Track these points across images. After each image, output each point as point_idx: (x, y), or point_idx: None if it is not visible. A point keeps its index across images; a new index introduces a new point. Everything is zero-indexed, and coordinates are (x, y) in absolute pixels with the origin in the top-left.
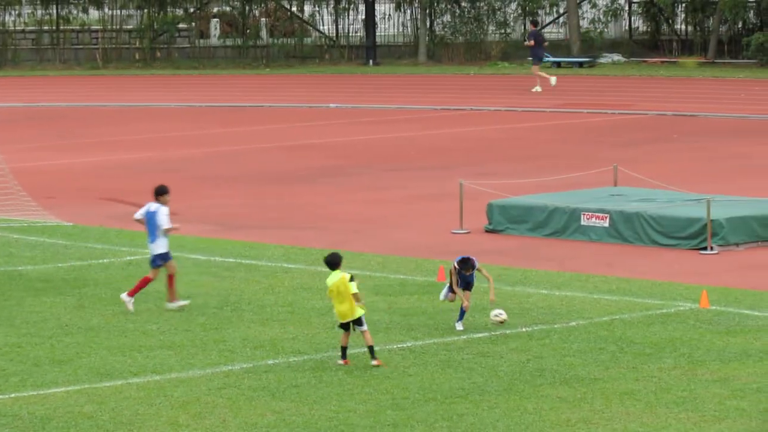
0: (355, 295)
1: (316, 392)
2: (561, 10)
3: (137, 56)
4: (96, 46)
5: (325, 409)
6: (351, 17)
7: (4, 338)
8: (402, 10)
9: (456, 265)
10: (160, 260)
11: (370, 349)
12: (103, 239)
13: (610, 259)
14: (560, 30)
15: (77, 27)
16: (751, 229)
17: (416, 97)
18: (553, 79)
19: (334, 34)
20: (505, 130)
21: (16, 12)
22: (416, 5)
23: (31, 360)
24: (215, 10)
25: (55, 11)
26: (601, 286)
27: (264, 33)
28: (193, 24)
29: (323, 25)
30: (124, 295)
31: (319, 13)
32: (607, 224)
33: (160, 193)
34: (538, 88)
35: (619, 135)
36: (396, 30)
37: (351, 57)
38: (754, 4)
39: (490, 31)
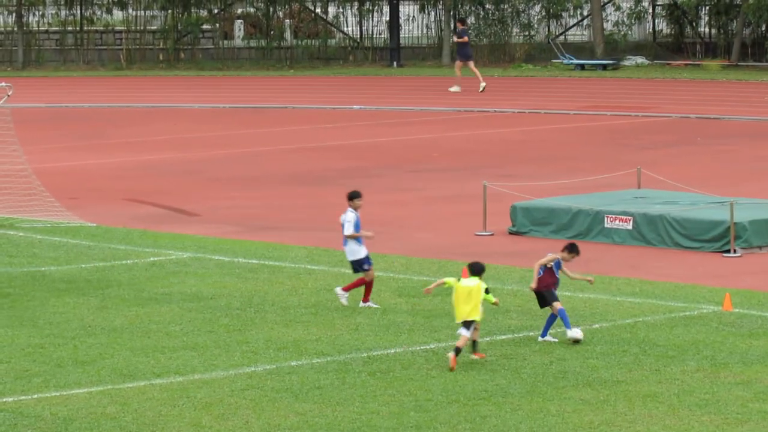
0: (496, 303)
1: (339, 394)
2: (585, 13)
3: (161, 57)
4: (120, 47)
5: (348, 410)
6: (375, 19)
7: (27, 339)
8: (426, 11)
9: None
10: (356, 266)
11: (474, 343)
12: (126, 240)
13: (633, 261)
14: (584, 32)
15: (101, 28)
16: None
17: (440, 99)
18: (479, 85)
19: (358, 36)
20: (529, 132)
21: (40, 12)
22: (440, 7)
23: (54, 361)
24: (239, 11)
25: (78, 12)
26: (624, 288)
27: (288, 34)
28: (217, 25)
29: (347, 27)
30: (338, 289)
31: (343, 15)
32: (630, 227)
33: (350, 197)
34: (456, 88)
35: (642, 137)
36: (420, 32)
37: (375, 59)
38: None
39: (514, 33)
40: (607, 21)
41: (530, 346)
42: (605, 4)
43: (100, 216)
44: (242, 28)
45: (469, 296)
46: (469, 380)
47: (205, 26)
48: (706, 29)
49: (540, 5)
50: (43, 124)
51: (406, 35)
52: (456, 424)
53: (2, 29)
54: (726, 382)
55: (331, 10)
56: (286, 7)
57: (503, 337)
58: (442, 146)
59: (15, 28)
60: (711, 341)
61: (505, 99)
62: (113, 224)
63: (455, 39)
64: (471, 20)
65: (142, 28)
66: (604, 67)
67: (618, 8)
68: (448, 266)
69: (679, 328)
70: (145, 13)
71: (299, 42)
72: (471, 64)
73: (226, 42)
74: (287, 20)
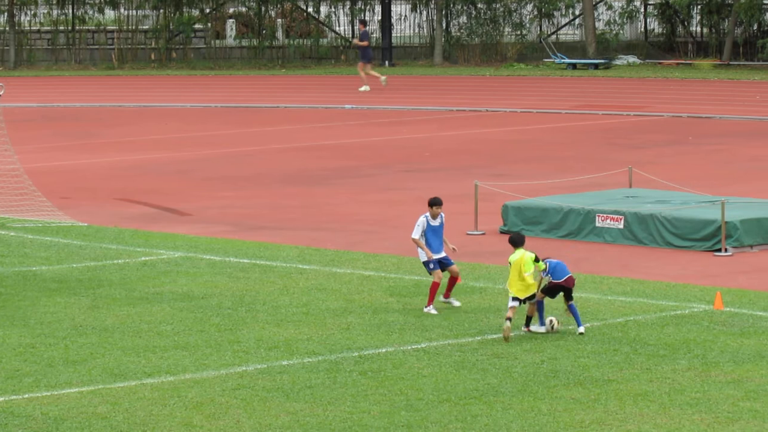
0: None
1: (331, 393)
2: (577, 12)
3: (153, 57)
4: (111, 47)
5: (339, 410)
6: (367, 18)
7: (18, 338)
8: (418, 11)
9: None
10: (426, 268)
11: (528, 318)
12: (117, 240)
13: (624, 260)
14: (576, 32)
15: (93, 27)
16: (765, 231)
17: (432, 98)
18: (382, 79)
19: (350, 35)
20: (521, 132)
21: (32, 12)
22: (432, 6)
23: (45, 360)
24: (231, 10)
25: (70, 11)
26: (615, 287)
27: (280, 34)
28: (209, 24)
29: (339, 26)
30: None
31: (335, 14)
32: (621, 226)
33: (428, 203)
34: (366, 88)
35: (634, 137)
36: (412, 31)
37: None
38: None
39: (506, 33)
40: (599, 20)
41: (521, 345)
42: (597, 3)
43: (91, 215)
44: (234, 28)
45: (520, 271)
46: (460, 379)
47: (196, 26)
48: (698, 28)
49: (532, 4)
50: (35, 123)
51: (398, 34)
52: (447, 424)
53: None
54: (717, 380)
55: (323, 9)
56: (278, 6)
57: (494, 336)
58: (434, 146)
59: (7, 28)
60: (702, 340)
61: (496, 98)
62: (104, 224)
63: (356, 42)
64: (463, 19)
65: (133, 27)
66: (596, 66)
67: (610, 7)
68: None
69: (670, 327)
70: (136, 12)
71: (291, 41)
72: (368, 66)
73: (217, 41)
74: (279, 20)
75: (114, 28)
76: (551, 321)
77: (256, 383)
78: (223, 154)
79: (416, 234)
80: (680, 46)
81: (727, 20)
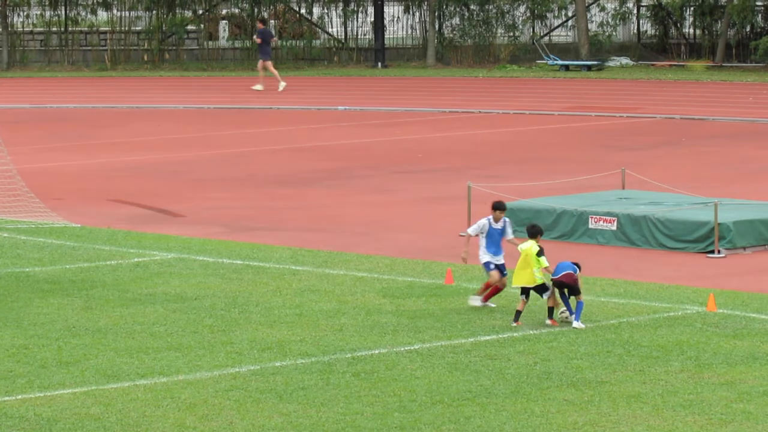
0: (546, 269)
1: (324, 394)
2: (570, 14)
3: (146, 58)
4: (104, 48)
5: (332, 411)
6: (360, 19)
7: (11, 339)
8: (411, 12)
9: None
10: (489, 266)
11: (551, 309)
12: (111, 241)
13: (617, 262)
14: (569, 33)
15: (86, 28)
16: (758, 233)
17: (424, 100)
18: (260, 87)
19: (343, 37)
20: (514, 133)
21: (25, 13)
22: (425, 8)
23: (38, 361)
24: (224, 12)
25: (63, 12)
26: (608, 289)
27: None
28: (202, 26)
29: (332, 28)
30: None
31: (328, 16)
32: (614, 227)
33: (493, 207)
34: (259, 86)
35: (626, 138)
36: (405, 32)
37: (360, 59)
38: (762, 8)
39: (498, 34)
40: (592, 22)
41: (514, 347)
42: (590, 4)
43: (84, 217)
44: (227, 29)
45: (524, 260)
46: (453, 381)
47: (189, 27)
48: (691, 30)
49: (525, 6)
50: (28, 124)
51: (391, 36)
52: (440, 425)
53: None
54: (710, 382)
55: (316, 10)
56: (271, 7)
57: (487, 337)
58: (427, 147)
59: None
60: (695, 342)
61: (489, 100)
62: (98, 225)
63: (256, 39)
64: (456, 21)
65: (126, 28)
66: (589, 68)
67: (603, 9)
68: (432, 267)
69: (663, 329)
70: (129, 13)
71: (284, 43)
72: (269, 64)
73: (210, 43)
74: (272, 21)
75: (107, 29)
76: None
77: (249, 384)
78: (216, 155)
79: (472, 231)
80: (673, 48)
81: (720, 22)
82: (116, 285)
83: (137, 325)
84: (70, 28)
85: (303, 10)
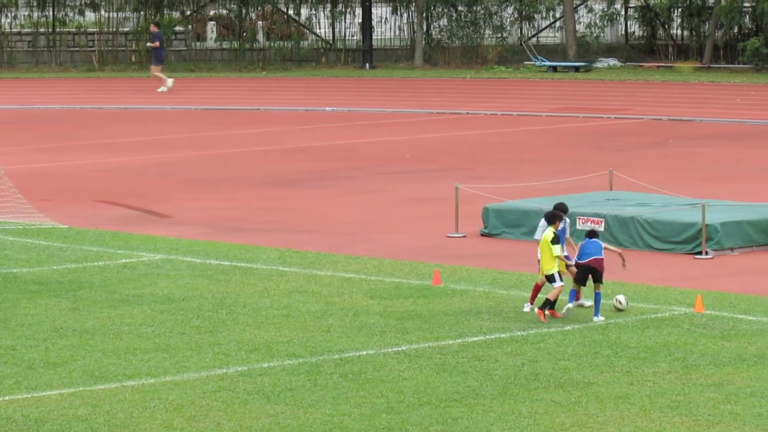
0: (558, 257)
1: (311, 395)
2: (557, 15)
3: (133, 59)
4: (92, 49)
5: (319, 412)
6: (348, 21)
7: None
8: (399, 13)
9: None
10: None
11: (546, 301)
12: (98, 242)
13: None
14: (557, 34)
15: (73, 29)
16: (746, 234)
17: (412, 101)
18: (170, 81)
19: (331, 38)
20: (501, 134)
21: (12, 14)
22: (413, 9)
23: (26, 362)
24: (212, 12)
25: (51, 13)
26: None
27: (260, 36)
28: (190, 27)
29: (320, 29)
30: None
31: (316, 17)
32: (602, 228)
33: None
34: (164, 88)
35: (614, 139)
36: (393, 33)
37: (347, 60)
38: (750, 9)
39: (486, 35)
40: (580, 23)
41: (502, 348)
42: (578, 6)
43: (71, 217)
44: (215, 30)
45: (542, 248)
46: (441, 382)
47: (177, 28)
48: (679, 31)
49: (512, 7)
50: (15, 125)
51: (379, 37)
52: (428, 426)
53: None
54: (697, 383)
55: (304, 11)
56: (259, 8)
57: (475, 339)
58: (414, 148)
59: None
60: (682, 343)
61: (477, 101)
62: (85, 226)
63: (149, 45)
64: (444, 22)
65: (114, 29)
66: (577, 69)
67: (590, 10)
68: (420, 268)
69: (650, 330)
70: (117, 14)
71: (272, 44)
72: (158, 68)
73: (198, 43)
74: (260, 22)
75: (95, 30)
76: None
77: (236, 385)
78: (204, 156)
79: (537, 235)
80: (661, 49)
81: (707, 23)
82: (104, 286)
83: (125, 326)
84: (57, 29)
85: (291, 11)
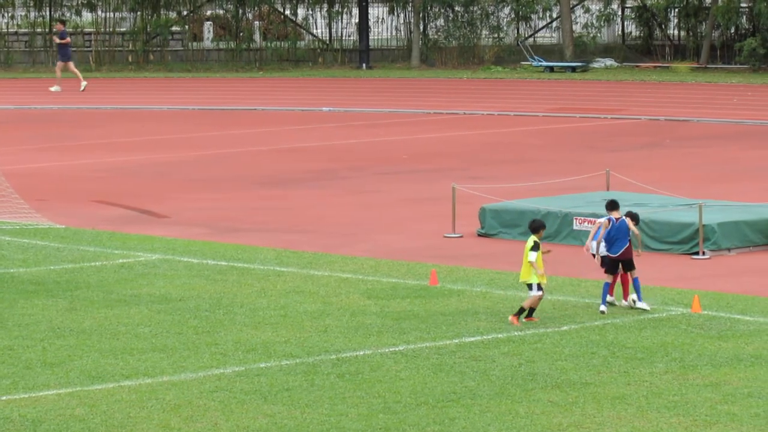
0: (530, 263)
1: (308, 396)
2: (554, 15)
3: (130, 59)
4: (89, 49)
5: (316, 412)
6: (344, 21)
7: None
8: (395, 13)
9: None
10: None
11: (521, 309)
12: (95, 242)
13: None
14: (553, 34)
15: (70, 29)
16: (743, 234)
17: (409, 101)
18: (58, 86)
19: (328, 38)
20: (498, 134)
21: (9, 14)
22: (410, 9)
23: (23, 362)
24: (208, 13)
25: (48, 13)
26: (593, 290)
27: (257, 36)
28: (187, 27)
29: (316, 29)
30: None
31: (313, 17)
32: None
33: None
34: (57, 88)
35: (611, 140)
36: (389, 34)
37: (344, 60)
38: (747, 9)
39: (483, 36)
40: (576, 23)
41: (499, 348)
42: (574, 6)
43: (68, 217)
44: (211, 30)
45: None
46: (438, 382)
47: (174, 28)
48: (676, 31)
49: (509, 7)
50: (12, 125)
51: (376, 37)
52: (425, 426)
53: None
54: (695, 384)
55: (300, 12)
56: (256, 8)
57: (472, 339)
58: (411, 148)
59: None
60: (680, 343)
61: (474, 101)
62: (82, 226)
63: (56, 40)
64: (440, 22)
65: (111, 29)
66: (573, 69)
67: (587, 10)
68: (417, 268)
69: (647, 330)
70: (114, 14)
71: (268, 44)
72: (71, 65)
73: (195, 44)
74: (256, 22)
75: (91, 30)
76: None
77: (233, 386)
78: (201, 157)
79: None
80: (658, 49)
81: (704, 23)
82: (101, 286)
83: (122, 326)
84: (54, 29)
85: (287, 12)
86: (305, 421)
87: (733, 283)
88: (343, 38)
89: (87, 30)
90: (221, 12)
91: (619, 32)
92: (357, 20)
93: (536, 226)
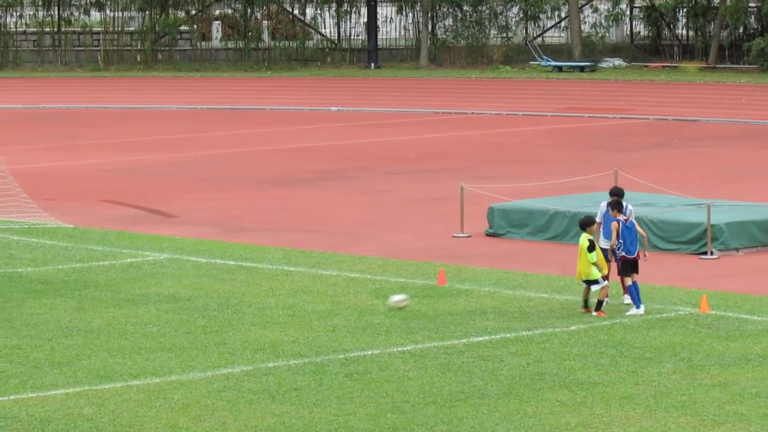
0: (595, 264)
1: (316, 395)
2: (563, 15)
3: (139, 58)
4: (97, 48)
5: (324, 412)
6: (353, 20)
7: (3, 340)
8: (404, 13)
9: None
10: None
11: (598, 303)
12: (103, 241)
13: None
14: (562, 34)
15: (79, 29)
16: (751, 234)
17: (417, 101)
18: None
19: (336, 37)
20: (507, 134)
21: (18, 13)
22: (418, 9)
23: (31, 362)
24: (217, 12)
25: (56, 13)
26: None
27: (266, 36)
28: (195, 26)
29: (325, 28)
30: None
31: (321, 16)
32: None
33: (615, 195)
34: None
35: (619, 139)
36: (398, 33)
37: (353, 60)
38: (755, 9)
39: (491, 35)
40: (585, 23)
41: (507, 348)
42: (583, 6)
43: (77, 217)
44: (220, 30)
45: (580, 253)
46: (446, 382)
47: (182, 27)
48: (684, 31)
49: (518, 7)
50: (20, 124)
51: (384, 37)
52: (433, 426)
53: None
54: (703, 383)
55: (309, 11)
56: (264, 8)
57: (480, 338)
58: (420, 148)
59: None
60: (688, 343)
61: (482, 101)
62: (90, 225)
63: None
64: (449, 22)
65: (119, 29)
66: (582, 69)
67: (596, 10)
68: (425, 268)
69: (656, 330)
70: (122, 14)
71: (277, 43)
72: None
73: (203, 43)
74: (265, 21)
75: (100, 29)
76: None
77: (241, 385)
78: (209, 156)
79: (598, 217)
80: (666, 49)
81: (713, 23)
82: (109, 285)
83: (130, 325)
84: (63, 29)
85: (296, 11)
86: (313, 421)
87: (741, 283)
88: (352, 38)
89: (96, 29)
90: (230, 11)
91: (628, 32)
92: (365, 20)
93: (586, 222)
